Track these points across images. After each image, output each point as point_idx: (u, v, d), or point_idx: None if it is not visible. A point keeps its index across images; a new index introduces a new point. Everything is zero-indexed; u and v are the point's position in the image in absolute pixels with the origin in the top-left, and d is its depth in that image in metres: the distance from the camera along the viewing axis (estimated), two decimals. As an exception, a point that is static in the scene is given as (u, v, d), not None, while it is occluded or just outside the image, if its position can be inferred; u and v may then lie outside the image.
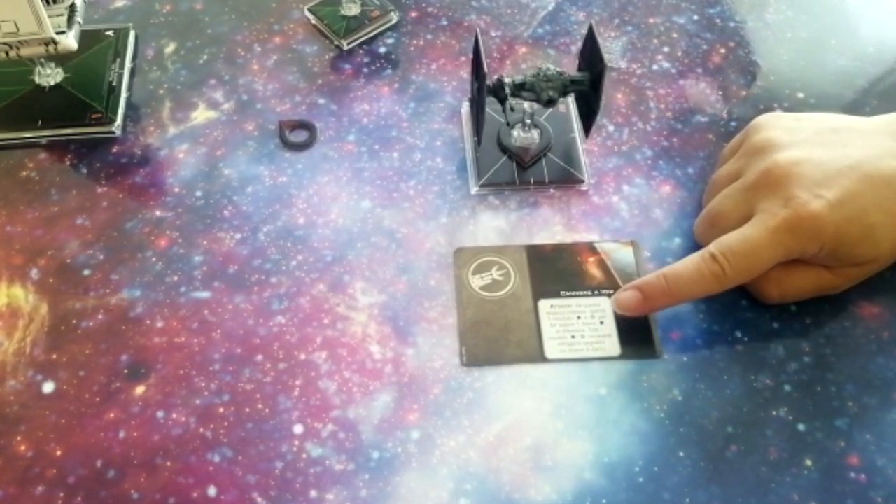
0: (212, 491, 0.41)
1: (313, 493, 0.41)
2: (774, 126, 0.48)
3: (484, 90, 0.49)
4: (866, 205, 0.43)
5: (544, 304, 0.47)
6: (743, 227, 0.44)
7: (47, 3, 0.51)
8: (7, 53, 0.51)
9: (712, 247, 0.44)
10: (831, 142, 0.46)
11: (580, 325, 0.47)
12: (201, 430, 0.43)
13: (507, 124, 0.54)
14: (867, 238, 0.44)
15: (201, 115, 0.56)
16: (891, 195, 0.43)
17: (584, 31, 0.51)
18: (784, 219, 0.43)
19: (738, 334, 0.46)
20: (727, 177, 0.48)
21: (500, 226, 0.51)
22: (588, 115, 0.51)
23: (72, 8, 0.53)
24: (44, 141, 0.55)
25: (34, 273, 0.49)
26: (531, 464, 0.42)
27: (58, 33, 0.51)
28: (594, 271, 0.49)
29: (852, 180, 0.43)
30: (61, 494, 0.41)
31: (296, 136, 0.55)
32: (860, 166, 0.44)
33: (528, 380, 0.45)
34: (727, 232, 0.45)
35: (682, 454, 0.42)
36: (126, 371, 0.45)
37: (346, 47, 0.60)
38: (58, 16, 0.52)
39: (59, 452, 0.42)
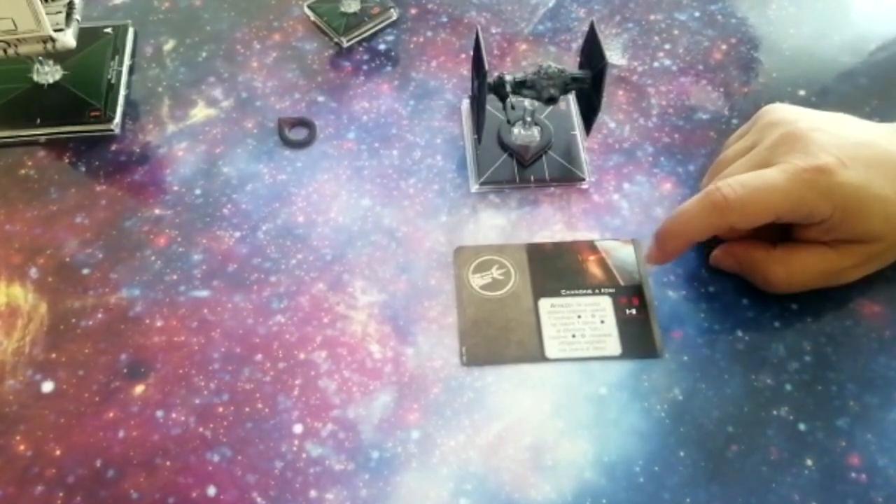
0: (211, 491, 0.41)
1: (313, 493, 0.41)
2: (787, 108, 0.48)
3: (484, 88, 0.48)
4: (880, 178, 0.43)
5: (544, 304, 0.47)
6: (760, 170, 0.44)
7: (45, 0, 0.51)
8: (5, 51, 0.51)
9: (718, 180, 0.45)
10: (842, 123, 0.47)
11: (581, 324, 0.46)
12: (201, 429, 0.43)
13: (508, 122, 0.54)
14: (878, 210, 0.43)
15: (200, 112, 0.56)
16: None
17: (585, 28, 0.51)
18: (804, 169, 0.43)
19: (739, 333, 0.46)
20: (738, 152, 0.48)
21: (500, 224, 0.51)
22: (589, 113, 0.51)
23: (70, 5, 0.53)
24: (42, 139, 0.55)
25: (33, 272, 0.49)
26: (531, 464, 0.42)
27: (56, 31, 0.51)
28: (595, 270, 0.49)
29: (865, 154, 0.44)
30: (60, 494, 0.41)
31: (295, 133, 0.55)
32: (871, 144, 0.45)
33: (529, 379, 0.45)
34: None
35: (682, 454, 0.42)
36: (125, 370, 0.45)
37: (345, 44, 0.60)
38: (56, 13, 0.52)
39: (58, 452, 0.42)
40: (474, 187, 0.52)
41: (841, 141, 0.44)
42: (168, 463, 0.42)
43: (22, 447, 0.42)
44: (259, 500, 0.41)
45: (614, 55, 0.59)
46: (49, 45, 0.51)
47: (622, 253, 0.49)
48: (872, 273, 0.48)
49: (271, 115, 0.56)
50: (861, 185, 0.43)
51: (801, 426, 0.43)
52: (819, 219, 0.43)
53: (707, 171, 0.51)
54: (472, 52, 0.52)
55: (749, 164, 0.46)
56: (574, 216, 0.51)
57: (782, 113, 0.48)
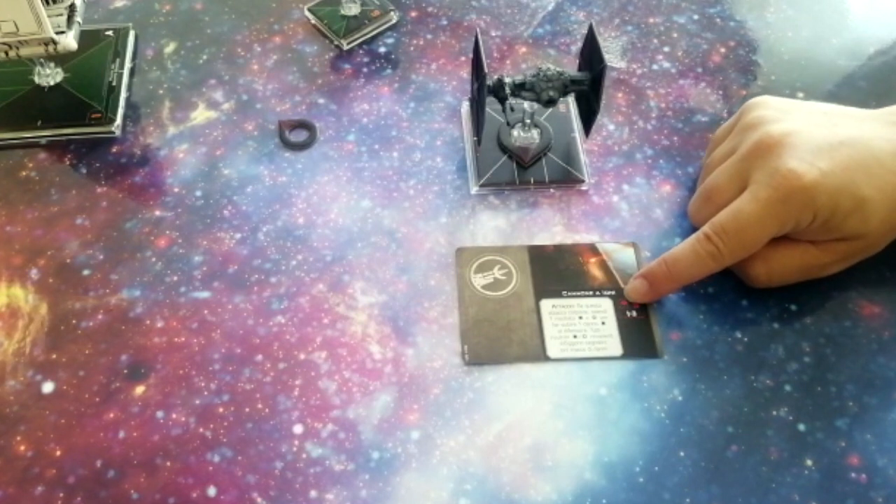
0: (212, 491, 0.41)
1: (313, 494, 0.41)
2: (767, 106, 0.48)
3: (484, 90, 0.49)
4: (857, 178, 0.43)
5: (546, 304, 0.47)
6: (735, 202, 0.45)
7: (47, 2, 0.51)
8: (7, 53, 0.51)
9: (706, 227, 0.45)
10: (822, 122, 0.47)
11: (582, 325, 0.46)
12: (201, 430, 0.43)
13: (508, 124, 0.54)
14: (858, 210, 0.43)
15: (201, 114, 0.56)
16: (881, 173, 0.44)
17: (584, 30, 0.51)
18: (776, 189, 0.43)
19: (738, 334, 0.46)
20: (721, 157, 0.49)
21: (500, 226, 0.51)
22: (588, 115, 0.51)
23: (71, 8, 0.53)
24: (43, 141, 0.55)
25: (34, 273, 0.49)
26: (531, 464, 0.42)
27: (57, 33, 0.51)
28: (596, 272, 0.49)
29: (843, 154, 0.44)
30: (61, 494, 0.41)
31: (295, 135, 0.55)
32: (851, 143, 0.45)
33: (528, 380, 0.45)
34: (722, 207, 0.45)
35: (682, 454, 0.42)
36: (126, 371, 0.45)
37: (345, 47, 0.60)
38: (57, 16, 0.52)
39: (58, 452, 0.42)
40: (474, 189, 0.52)
41: (818, 143, 0.44)
42: (168, 463, 0.42)
43: (22, 447, 0.42)
44: (259, 500, 0.41)
45: (613, 58, 0.59)
46: (50, 48, 0.51)
47: (623, 255, 0.49)
48: (871, 274, 0.48)
49: (272, 117, 0.56)
50: (838, 190, 0.43)
51: (801, 426, 0.43)
52: (805, 225, 0.44)
53: (700, 174, 0.51)
54: (471, 55, 0.52)
55: (730, 171, 0.47)
56: (574, 218, 0.51)
57: (761, 111, 0.48)
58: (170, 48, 0.60)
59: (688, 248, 0.46)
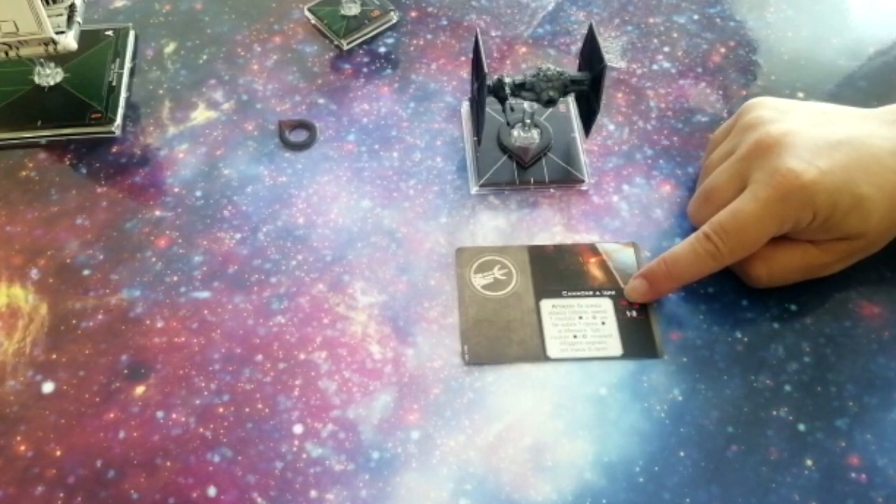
0: (212, 491, 0.41)
1: (313, 494, 0.41)
2: (765, 106, 0.49)
3: (484, 90, 0.49)
4: (856, 176, 0.44)
5: (546, 304, 0.47)
6: (734, 201, 0.45)
7: (47, 2, 0.51)
8: (7, 53, 0.51)
9: (706, 226, 0.45)
10: (821, 121, 0.47)
11: (582, 325, 0.46)
12: (201, 430, 0.43)
13: (508, 124, 0.54)
14: (857, 208, 0.44)
15: (201, 114, 0.56)
16: (880, 171, 0.44)
17: (584, 30, 0.51)
18: (775, 188, 0.43)
19: (738, 334, 0.46)
20: (721, 157, 0.49)
21: (500, 226, 0.51)
22: (588, 115, 0.51)
23: (71, 8, 0.53)
24: (43, 141, 0.55)
25: (34, 273, 0.49)
26: (531, 464, 0.42)
27: (57, 33, 0.51)
28: (596, 272, 0.49)
29: (842, 153, 0.44)
30: (61, 494, 0.41)
31: (295, 135, 0.55)
32: (850, 141, 0.45)
33: (529, 380, 0.45)
34: (721, 207, 0.45)
35: (682, 454, 0.42)
36: (126, 371, 0.45)
37: (345, 47, 0.60)
38: (57, 16, 0.52)
39: (58, 452, 0.42)
40: (474, 189, 0.52)
41: (816, 143, 0.44)
42: (168, 463, 0.42)
43: (22, 447, 0.42)
44: (259, 500, 0.41)
45: (613, 58, 0.59)
46: (50, 48, 0.51)
47: (623, 255, 0.49)
48: (871, 274, 0.48)
49: (272, 117, 0.56)
50: (837, 189, 0.43)
51: (801, 426, 0.43)
52: (805, 225, 0.44)
53: (700, 174, 0.51)
54: (471, 55, 0.52)
55: (729, 171, 0.47)
56: (574, 218, 0.51)
57: (760, 111, 0.48)
58: (170, 48, 0.60)
59: (687, 247, 0.46)
